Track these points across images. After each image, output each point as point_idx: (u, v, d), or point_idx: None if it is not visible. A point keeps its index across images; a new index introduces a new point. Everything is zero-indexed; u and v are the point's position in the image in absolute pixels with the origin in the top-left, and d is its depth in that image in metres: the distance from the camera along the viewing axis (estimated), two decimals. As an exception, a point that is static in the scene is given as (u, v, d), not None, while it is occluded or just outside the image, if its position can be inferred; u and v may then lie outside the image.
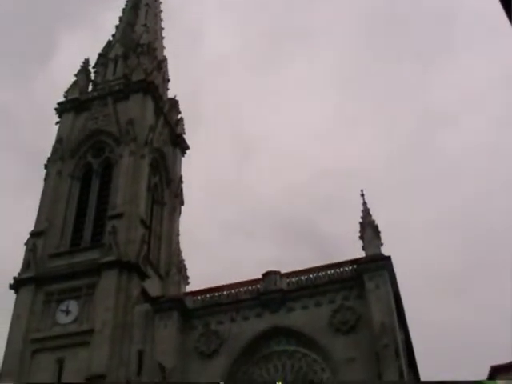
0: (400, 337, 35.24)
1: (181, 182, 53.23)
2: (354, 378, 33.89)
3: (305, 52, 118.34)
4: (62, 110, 52.78)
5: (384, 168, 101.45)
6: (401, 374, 32.12)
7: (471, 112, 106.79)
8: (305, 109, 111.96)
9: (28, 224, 46.33)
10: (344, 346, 35.31)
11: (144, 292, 41.58)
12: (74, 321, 40.51)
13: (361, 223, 38.33)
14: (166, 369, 35.90)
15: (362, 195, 39.36)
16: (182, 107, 57.54)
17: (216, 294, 39.44)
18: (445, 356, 66.49)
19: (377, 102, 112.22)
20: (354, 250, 38.40)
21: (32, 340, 40.39)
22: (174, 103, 57.07)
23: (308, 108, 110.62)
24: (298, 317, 37.05)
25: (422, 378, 41.75)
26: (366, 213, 38.60)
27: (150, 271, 43.53)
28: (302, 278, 38.32)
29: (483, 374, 39.45)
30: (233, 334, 37.63)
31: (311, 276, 38.21)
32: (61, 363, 39.16)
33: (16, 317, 41.56)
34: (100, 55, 58.38)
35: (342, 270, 37.95)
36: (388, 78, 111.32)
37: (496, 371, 38.96)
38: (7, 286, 43.31)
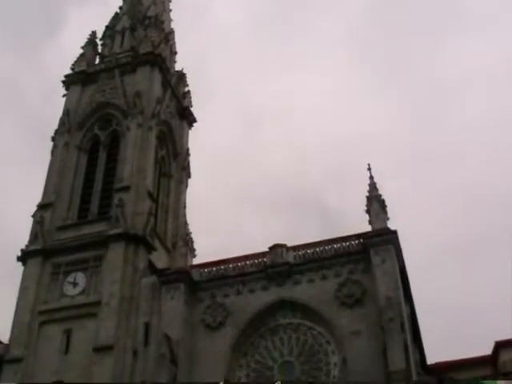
0: (405, 311, 35.36)
1: (188, 154, 53.20)
2: (359, 351, 34.19)
3: (313, 21, 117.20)
4: (69, 82, 52.72)
5: (392, 141, 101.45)
6: (405, 348, 32.23)
7: (480, 85, 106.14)
8: (312, 80, 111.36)
9: (35, 196, 46.64)
10: (349, 319, 35.50)
11: (151, 264, 41.84)
12: (82, 292, 40.79)
13: (367, 197, 38.32)
14: (173, 340, 36.16)
15: (369, 169, 39.31)
16: (189, 80, 57.53)
17: (222, 267, 39.56)
18: (450, 330, 66.82)
19: (385, 73, 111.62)
20: (361, 223, 38.53)
21: (39, 311, 40.74)
22: (181, 76, 56.97)
23: (316, 79, 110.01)
24: (304, 290, 37.19)
25: (427, 352, 41.99)
26: (373, 187, 38.55)
27: (156, 244, 43.71)
28: (309, 251, 38.41)
29: (488, 349, 39.65)
30: (239, 306, 37.81)
31: (317, 249, 38.31)
32: (68, 334, 39.54)
33: (23, 288, 41.84)
34: (107, 27, 58.11)
35: (348, 243, 38.04)
36: (397, 49, 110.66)
37: (500, 346, 39.11)
38: (15, 258, 43.58)
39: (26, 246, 43.71)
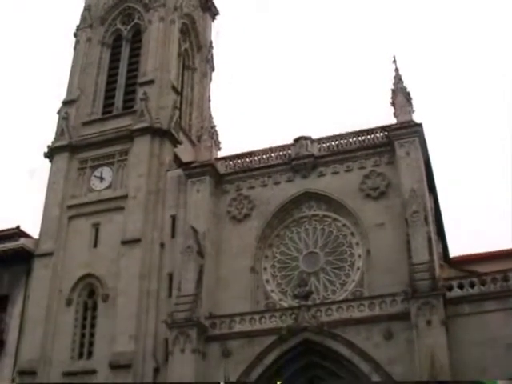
0: (429, 204, 35.41)
1: (211, 47, 52.44)
2: (383, 244, 34.46)
3: None
4: (89, -24, 51.65)
5: (417, 33, 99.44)
6: (429, 240, 32.43)
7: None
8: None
9: (60, 94, 46.65)
10: (374, 211, 35.64)
11: (176, 158, 42.03)
12: (108, 187, 41.27)
13: (392, 90, 37.70)
14: (199, 232, 36.65)
15: (394, 61, 38.56)
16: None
17: (247, 159, 39.54)
18: (473, 224, 67.07)
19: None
20: (386, 117, 38.15)
21: (68, 206, 41.38)
22: (202, -33, 55.61)
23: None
24: (329, 182, 37.25)
25: (450, 246, 42.39)
26: (398, 79, 37.84)
27: (181, 137, 43.70)
28: (333, 143, 38.22)
29: (510, 243, 39.87)
30: (264, 198, 38.06)
31: (342, 142, 38.08)
32: (97, 228, 40.25)
33: (51, 184, 42.47)
34: None
35: (373, 136, 37.66)
36: None
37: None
38: (42, 155, 44.03)
39: (53, 142, 44.00)
